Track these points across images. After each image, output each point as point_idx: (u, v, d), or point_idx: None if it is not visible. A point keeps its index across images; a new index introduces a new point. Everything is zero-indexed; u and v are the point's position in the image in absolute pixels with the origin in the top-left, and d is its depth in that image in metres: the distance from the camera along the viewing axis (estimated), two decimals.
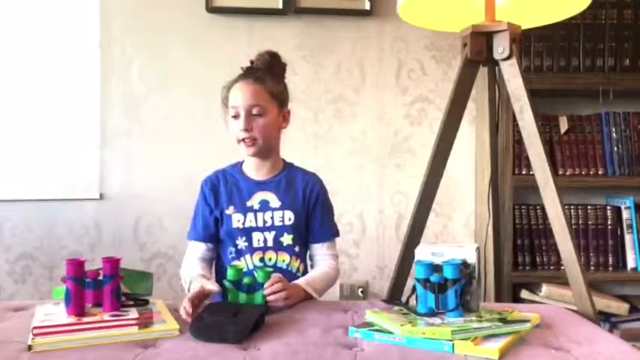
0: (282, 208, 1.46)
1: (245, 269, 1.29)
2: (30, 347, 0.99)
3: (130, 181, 2.25)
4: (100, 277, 1.14)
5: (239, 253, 1.45)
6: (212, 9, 2.22)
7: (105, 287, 1.13)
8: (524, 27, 1.56)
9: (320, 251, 1.52)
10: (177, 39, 2.26)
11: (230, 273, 1.27)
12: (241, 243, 1.45)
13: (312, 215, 1.50)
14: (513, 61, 1.48)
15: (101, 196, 2.24)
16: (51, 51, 2.22)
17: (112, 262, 1.14)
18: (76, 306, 1.10)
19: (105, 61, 2.24)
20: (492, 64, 1.58)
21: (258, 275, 1.29)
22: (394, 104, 2.33)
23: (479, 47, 1.53)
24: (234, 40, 2.26)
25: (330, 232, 1.54)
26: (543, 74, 2.11)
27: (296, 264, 1.47)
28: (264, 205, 1.46)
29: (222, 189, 1.49)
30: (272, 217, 1.45)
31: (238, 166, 1.54)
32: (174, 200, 2.24)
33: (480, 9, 1.56)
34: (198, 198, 1.53)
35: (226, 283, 1.26)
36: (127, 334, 1.05)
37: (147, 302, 1.23)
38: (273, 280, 1.27)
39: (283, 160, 1.55)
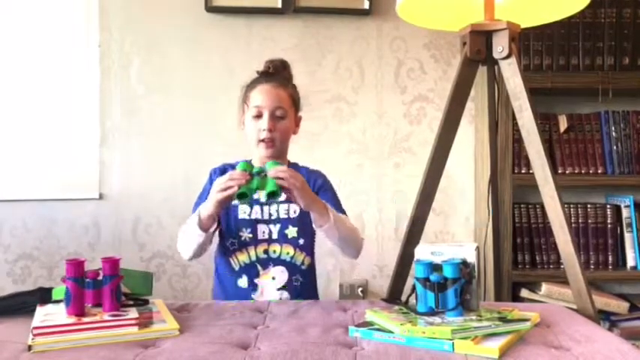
0: (288, 200, 1.45)
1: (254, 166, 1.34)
2: (30, 347, 0.99)
3: (129, 181, 2.25)
4: (100, 277, 1.13)
5: (242, 245, 1.45)
6: (211, 8, 2.22)
7: (104, 287, 1.12)
8: (523, 26, 1.55)
9: None
10: (176, 38, 2.26)
11: (240, 166, 1.29)
12: (245, 234, 1.46)
13: None
14: (513, 60, 1.48)
15: (100, 196, 2.24)
16: (50, 51, 2.22)
17: (112, 262, 1.14)
18: (76, 306, 1.10)
19: (104, 60, 2.24)
20: (492, 63, 1.58)
21: (268, 165, 1.31)
22: (393, 103, 2.33)
23: (478, 46, 1.53)
24: (233, 40, 2.26)
25: (339, 210, 1.50)
26: (543, 73, 2.11)
27: (300, 256, 1.47)
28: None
29: None
30: (277, 210, 1.47)
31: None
32: (174, 200, 2.24)
33: (479, 8, 1.56)
34: (204, 185, 1.53)
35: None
36: (126, 334, 1.05)
37: (146, 302, 1.23)
38: (279, 167, 1.29)
39: (288, 161, 1.56)
